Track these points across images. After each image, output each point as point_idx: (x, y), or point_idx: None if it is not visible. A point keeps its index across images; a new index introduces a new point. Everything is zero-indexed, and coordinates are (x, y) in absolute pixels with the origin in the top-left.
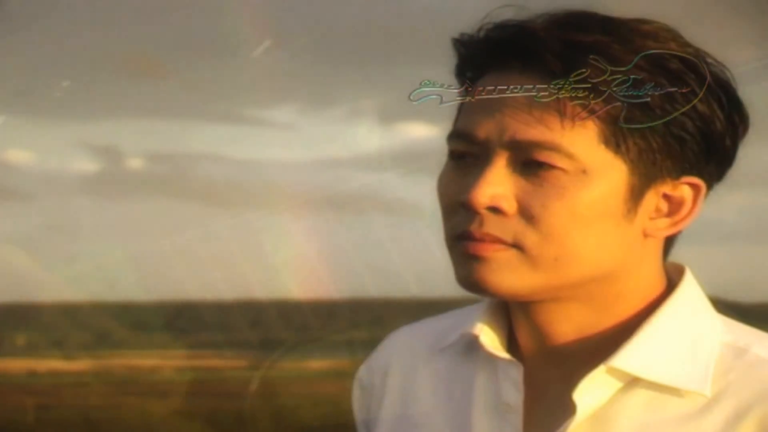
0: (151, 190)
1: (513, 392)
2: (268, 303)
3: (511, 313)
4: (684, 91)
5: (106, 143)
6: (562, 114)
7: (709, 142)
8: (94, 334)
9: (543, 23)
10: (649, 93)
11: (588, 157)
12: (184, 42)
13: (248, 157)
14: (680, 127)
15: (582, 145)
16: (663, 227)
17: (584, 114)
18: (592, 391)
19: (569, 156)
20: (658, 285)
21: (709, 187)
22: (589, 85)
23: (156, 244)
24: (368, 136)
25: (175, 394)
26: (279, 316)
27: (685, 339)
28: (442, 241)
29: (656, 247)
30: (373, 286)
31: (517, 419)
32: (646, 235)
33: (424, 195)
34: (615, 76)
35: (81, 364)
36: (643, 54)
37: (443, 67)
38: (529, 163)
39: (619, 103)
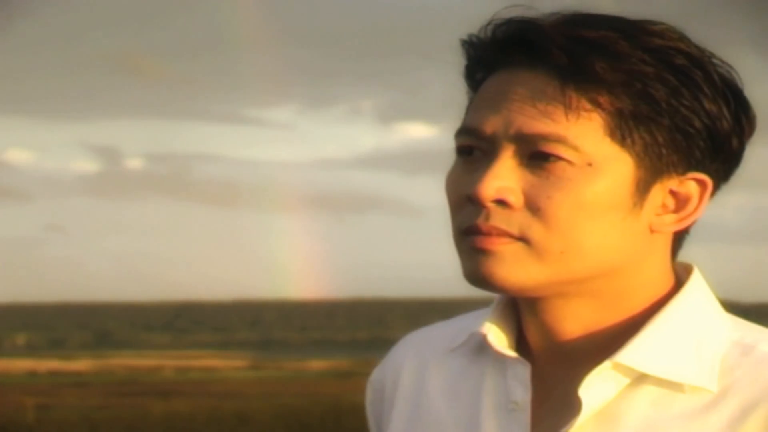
0: (151, 190)
1: (520, 390)
2: (268, 303)
3: (520, 313)
4: (690, 87)
5: (105, 143)
6: (567, 107)
7: (716, 140)
8: (94, 335)
9: (550, 20)
10: (656, 88)
11: (594, 150)
12: (183, 44)
13: (247, 157)
14: (686, 123)
15: (587, 138)
16: (669, 223)
17: (589, 107)
18: (597, 388)
19: (575, 148)
20: (666, 283)
21: (716, 185)
22: (594, 79)
23: (155, 244)
24: (367, 136)
25: (175, 394)
26: (278, 316)
27: (691, 336)
28: (442, 241)
29: (663, 244)
30: (372, 286)
31: (524, 417)
32: (652, 231)
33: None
34: (621, 71)
35: (81, 364)
36: (649, 49)
37: (443, 68)
38: (536, 156)
39: (624, 97)
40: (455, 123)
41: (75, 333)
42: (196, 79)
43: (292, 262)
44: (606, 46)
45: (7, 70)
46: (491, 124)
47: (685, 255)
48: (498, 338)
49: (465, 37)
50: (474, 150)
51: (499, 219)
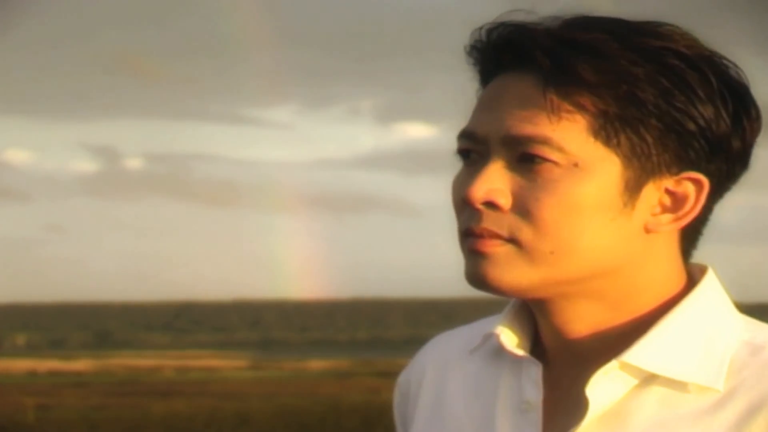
0: (150, 190)
1: (533, 390)
2: (268, 303)
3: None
4: (683, 89)
5: (104, 143)
6: (550, 109)
7: (712, 141)
8: (94, 335)
9: (545, 24)
10: (644, 89)
11: (579, 151)
12: (182, 44)
13: (246, 157)
14: (678, 124)
15: (572, 139)
16: (666, 222)
17: (571, 108)
18: (605, 387)
19: (560, 149)
20: (676, 283)
21: (719, 184)
22: (576, 81)
23: (154, 244)
24: (366, 136)
25: (175, 394)
26: (278, 316)
27: (700, 336)
28: (441, 241)
29: (665, 244)
30: (372, 286)
31: (536, 417)
32: (647, 231)
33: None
34: (607, 72)
35: (81, 364)
36: (641, 50)
37: (442, 69)
38: (524, 158)
39: (609, 99)
40: (454, 123)
41: (75, 333)
42: (195, 79)
43: (291, 262)
44: (594, 48)
45: (6, 69)
46: (484, 128)
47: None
48: (510, 339)
49: (468, 44)
50: (471, 153)
51: (490, 221)
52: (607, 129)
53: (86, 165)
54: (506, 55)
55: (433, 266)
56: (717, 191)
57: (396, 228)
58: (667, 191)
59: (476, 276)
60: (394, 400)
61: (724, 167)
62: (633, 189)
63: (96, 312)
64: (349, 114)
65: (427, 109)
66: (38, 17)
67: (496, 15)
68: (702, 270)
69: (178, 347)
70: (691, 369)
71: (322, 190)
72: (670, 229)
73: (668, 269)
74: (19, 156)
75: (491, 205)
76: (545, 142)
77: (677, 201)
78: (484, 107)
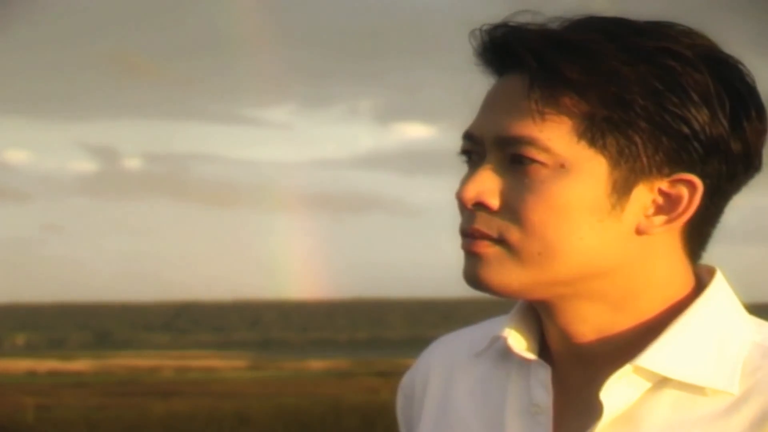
0: (149, 190)
1: (542, 393)
2: (267, 303)
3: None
4: (677, 90)
5: (103, 143)
6: (534, 110)
7: (707, 144)
8: (94, 335)
9: (547, 25)
10: (633, 91)
11: (565, 152)
12: (181, 44)
13: (245, 156)
14: (669, 126)
15: (558, 140)
16: (659, 224)
17: (556, 110)
18: (619, 391)
19: (546, 150)
20: (683, 285)
21: (717, 186)
22: (561, 82)
23: (153, 244)
24: (365, 136)
25: (174, 394)
26: (278, 316)
27: (713, 339)
28: (440, 241)
29: (664, 245)
30: (372, 286)
31: (546, 420)
32: (640, 232)
33: (421, 194)
34: (595, 74)
35: (80, 364)
36: (634, 51)
37: (440, 68)
38: (515, 159)
39: (596, 100)
40: (453, 123)
41: (74, 333)
42: (193, 79)
43: (291, 262)
44: (583, 49)
45: (5, 70)
46: (480, 129)
47: None
48: (518, 342)
49: (473, 45)
50: (471, 154)
51: (480, 222)
52: (593, 130)
53: (85, 165)
54: (500, 57)
55: (433, 266)
56: (717, 193)
57: (395, 228)
58: (661, 192)
59: (469, 276)
60: (397, 403)
61: (723, 169)
62: (622, 190)
63: (95, 312)
64: (347, 114)
65: (426, 109)
66: (37, 18)
67: (495, 15)
68: (710, 271)
69: (178, 347)
70: (705, 372)
71: (321, 189)
72: (664, 230)
73: (670, 270)
74: (18, 156)
75: (481, 206)
76: (531, 143)
77: (671, 202)
78: (482, 108)
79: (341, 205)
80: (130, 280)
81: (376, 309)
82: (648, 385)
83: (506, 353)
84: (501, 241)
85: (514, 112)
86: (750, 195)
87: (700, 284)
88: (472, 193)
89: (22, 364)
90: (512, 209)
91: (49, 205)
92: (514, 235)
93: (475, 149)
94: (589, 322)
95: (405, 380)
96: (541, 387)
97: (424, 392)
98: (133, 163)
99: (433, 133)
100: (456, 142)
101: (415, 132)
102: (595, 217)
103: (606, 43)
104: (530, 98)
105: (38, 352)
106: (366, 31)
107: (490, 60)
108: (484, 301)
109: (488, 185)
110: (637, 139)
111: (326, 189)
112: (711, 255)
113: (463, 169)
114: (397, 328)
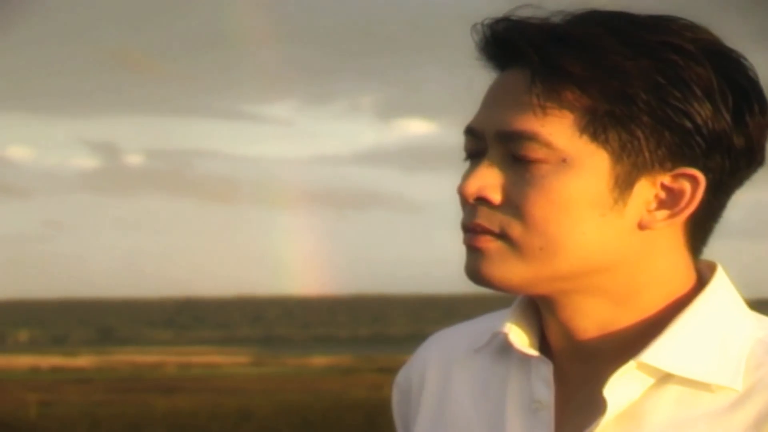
0: (150, 186)
1: (544, 390)
2: (269, 299)
3: (541, 312)
4: (679, 85)
5: (104, 140)
6: (536, 105)
7: (710, 138)
8: (97, 331)
9: (542, 19)
10: (635, 85)
11: (567, 146)
12: (183, 40)
13: (247, 153)
14: (672, 121)
15: (560, 135)
16: (662, 218)
17: (557, 104)
18: (622, 387)
19: (547, 145)
20: (685, 281)
21: (720, 180)
22: (563, 76)
23: (155, 240)
24: (366, 133)
25: (177, 390)
26: (280, 312)
27: (715, 335)
28: (441, 237)
29: (667, 240)
30: (374, 282)
31: (548, 416)
32: (642, 227)
33: (422, 190)
34: (597, 68)
35: (83, 361)
36: (637, 45)
37: (441, 65)
38: (516, 154)
39: (598, 95)
40: (454, 119)
41: (77, 329)
42: (195, 76)
43: (293, 258)
44: (585, 43)
45: (6, 67)
46: (481, 124)
47: None
48: (519, 338)
49: (474, 40)
50: (474, 149)
51: (482, 217)
52: (594, 125)
53: (86, 161)
54: (502, 52)
55: (434, 262)
56: (720, 188)
57: (396, 224)
58: (663, 186)
59: (471, 271)
60: (393, 398)
61: (726, 164)
62: (624, 185)
63: (98, 308)
64: (349, 110)
65: (427, 105)
66: (39, 14)
67: (494, 11)
68: (711, 267)
69: (181, 343)
70: (708, 369)
71: (322, 186)
72: (666, 224)
73: (672, 266)
74: (19, 152)
75: (483, 200)
76: (533, 137)
77: (673, 197)
78: (483, 103)
79: (343, 201)
80: (132, 276)
81: (378, 305)
82: (651, 381)
83: (506, 349)
84: (503, 236)
85: (515, 106)
86: (750, 190)
87: (701, 280)
88: (473, 187)
89: (24, 361)
90: (514, 204)
91: (50, 201)
92: (515, 230)
93: (477, 144)
94: (591, 317)
95: (401, 376)
96: (543, 383)
97: (421, 388)
98: (134, 160)
99: (435, 129)
100: (457, 138)
101: (417, 128)
102: (597, 212)
103: (608, 37)
104: (532, 93)
105: (41, 348)
106: (367, 28)
107: (492, 54)
108: (486, 297)
109: (490, 180)
110: (640, 134)
111: (328, 185)
112: (711, 250)
113: (465, 164)
114: (399, 325)
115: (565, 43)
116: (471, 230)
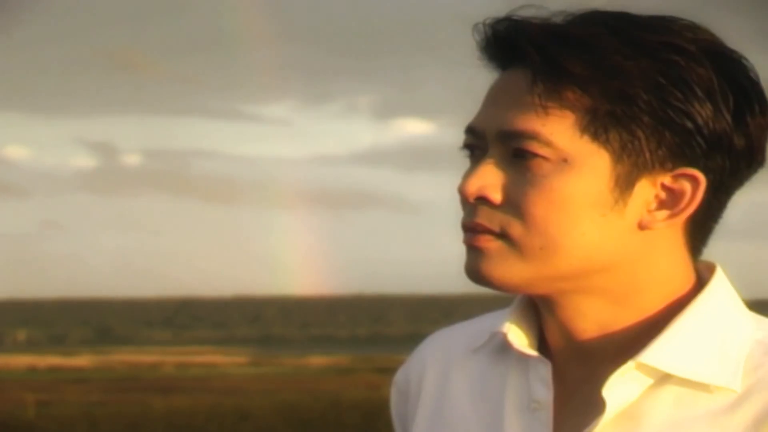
0: (148, 186)
1: (542, 390)
2: (268, 299)
3: (540, 312)
4: (680, 85)
5: (102, 140)
6: (537, 104)
7: (710, 139)
8: (94, 331)
9: (543, 19)
10: (636, 85)
11: (568, 146)
12: (180, 40)
13: (245, 153)
14: (672, 122)
15: (561, 134)
16: (662, 218)
17: (558, 104)
18: (621, 388)
19: (548, 144)
20: (684, 282)
21: (720, 181)
22: (564, 76)
23: (153, 240)
24: (364, 133)
25: (175, 390)
26: (278, 312)
27: (714, 335)
28: (440, 237)
29: (667, 240)
30: (372, 282)
31: (546, 416)
32: (642, 227)
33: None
34: (598, 68)
35: (81, 360)
36: (638, 45)
37: (440, 65)
38: (517, 153)
39: (599, 95)
40: (452, 119)
41: (75, 329)
42: (193, 76)
43: (291, 258)
44: (587, 43)
45: (5, 67)
46: (482, 123)
47: None
48: (518, 337)
49: (475, 40)
50: (474, 148)
51: (482, 216)
52: (595, 124)
53: (84, 161)
54: (503, 51)
55: (433, 262)
56: (720, 188)
57: (395, 224)
58: (664, 187)
59: (471, 271)
60: (391, 398)
61: (727, 164)
62: (624, 185)
63: (96, 308)
64: (347, 110)
65: (425, 106)
66: (37, 14)
67: (493, 11)
68: (710, 268)
69: (179, 343)
70: (707, 369)
71: (320, 186)
72: (666, 225)
73: (672, 266)
74: (17, 152)
75: (484, 200)
76: (534, 137)
77: (674, 197)
78: (484, 103)
79: (341, 201)
80: (130, 276)
81: (377, 305)
82: (650, 381)
83: (504, 348)
84: (503, 235)
85: (516, 106)
86: (749, 191)
87: (700, 280)
88: (474, 187)
89: (22, 360)
90: (514, 204)
91: (48, 201)
92: (516, 229)
93: (478, 143)
94: (590, 317)
95: (398, 376)
96: (541, 383)
97: (419, 388)
98: (132, 159)
99: (433, 129)
100: (456, 137)
101: (415, 128)
102: (598, 212)
103: (609, 37)
104: (533, 92)
105: (39, 348)
106: (365, 28)
107: (493, 54)
108: (485, 297)
109: (490, 179)
110: (640, 134)
111: (326, 185)
112: (710, 251)
113: (464, 164)
114: (398, 325)
115: (567, 43)
116: (471, 230)
